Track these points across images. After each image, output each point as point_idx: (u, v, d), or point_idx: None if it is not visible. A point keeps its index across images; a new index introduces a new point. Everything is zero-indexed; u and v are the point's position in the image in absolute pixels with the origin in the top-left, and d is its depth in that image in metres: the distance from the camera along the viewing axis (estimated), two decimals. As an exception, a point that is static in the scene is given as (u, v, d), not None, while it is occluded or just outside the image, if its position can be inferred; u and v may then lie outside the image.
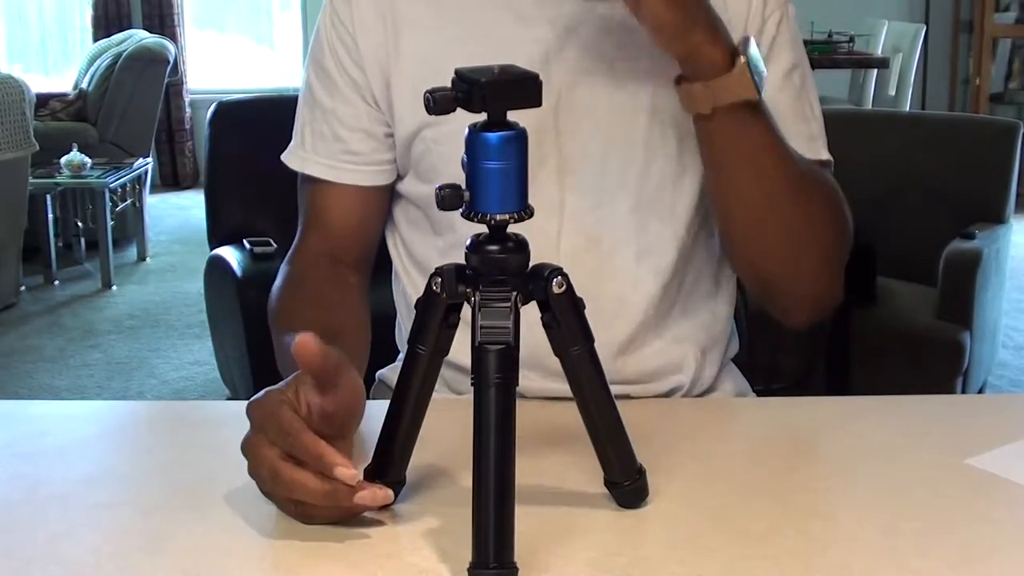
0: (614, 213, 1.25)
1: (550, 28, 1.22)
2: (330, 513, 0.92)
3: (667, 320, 1.30)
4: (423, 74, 1.23)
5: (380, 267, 1.38)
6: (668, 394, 1.31)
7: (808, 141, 1.27)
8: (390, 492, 0.91)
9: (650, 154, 1.24)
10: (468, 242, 0.90)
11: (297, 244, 1.34)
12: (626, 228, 1.25)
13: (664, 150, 1.25)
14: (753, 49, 1.10)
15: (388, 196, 1.34)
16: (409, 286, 1.35)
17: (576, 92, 1.22)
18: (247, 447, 0.94)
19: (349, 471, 0.88)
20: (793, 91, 1.27)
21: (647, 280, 1.27)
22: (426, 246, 1.31)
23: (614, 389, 0.95)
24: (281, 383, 0.95)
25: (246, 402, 0.96)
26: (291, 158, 1.33)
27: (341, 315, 1.24)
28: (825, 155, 1.30)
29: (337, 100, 1.29)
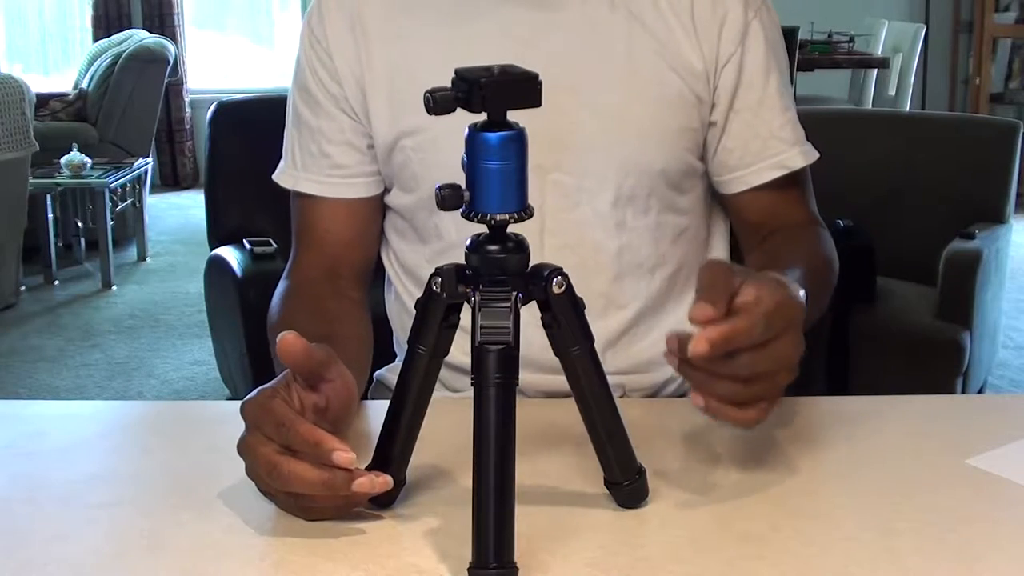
0: (595, 210, 1.26)
1: (520, 30, 1.24)
2: (329, 503, 0.92)
3: (657, 314, 1.31)
4: (395, 85, 1.26)
5: (378, 268, 1.39)
6: (662, 385, 1.31)
7: (802, 144, 1.31)
8: (388, 478, 0.90)
9: (626, 149, 1.26)
10: (468, 242, 0.90)
11: (294, 261, 1.35)
12: (606, 224, 1.27)
13: (644, 144, 1.26)
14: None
15: (380, 208, 1.35)
16: (404, 293, 1.36)
17: (551, 93, 1.21)
18: (243, 447, 0.94)
19: (347, 455, 0.88)
20: (789, 93, 1.31)
21: (631, 275, 1.29)
22: (415, 254, 1.33)
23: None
24: (272, 381, 0.96)
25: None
26: (283, 177, 1.35)
27: (339, 325, 1.24)
28: (814, 155, 1.32)
29: (321, 117, 1.31)
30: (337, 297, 1.29)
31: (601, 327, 1.26)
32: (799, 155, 1.31)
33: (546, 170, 1.25)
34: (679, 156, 1.28)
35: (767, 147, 1.29)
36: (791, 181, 1.32)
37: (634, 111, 1.25)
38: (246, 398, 0.95)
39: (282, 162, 1.36)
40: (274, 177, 1.36)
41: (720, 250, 1.39)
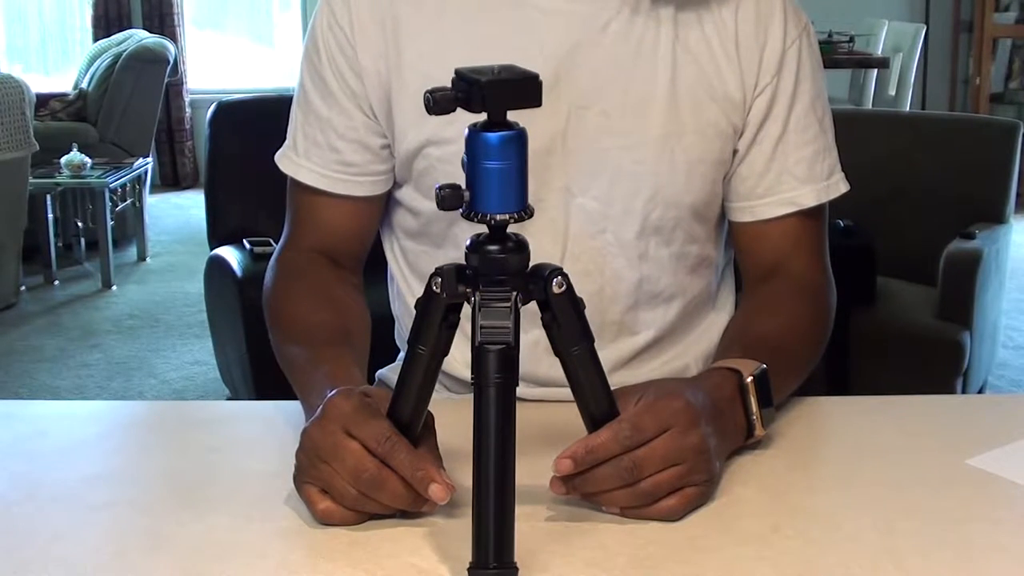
0: (619, 239, 1.23)
1: (561, 46, 1.19)
2: (355, 518, 0.94)
3: (670, 340, 1.29)
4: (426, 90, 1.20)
5: (377, 267, 1.37)
6: None
7: (827, 179, 1.27)
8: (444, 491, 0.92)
9: (659, 180, 1.22)
10: (468, 242, 0.90)
11: (288, 242, 1.31)
12: (628, 254, 1.24)
13: (676, 177, 1.22)
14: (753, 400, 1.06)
15: (383, 202, 1.31)
16: (406, 292, 1.33)
17: (587, 114, 1.20)
18: (319, 432, 0.94)
19: (444, 492, 0.90)
20: (816, 123, 1.26)
21: (647, 304, 1.27)
22: (427, 258, 1.28)
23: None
24: (362, 389, 0.97)
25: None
26: (284, 161, 1.30)
27: (349, 315, 1.23)
28: (843, 187, 1.28)
29: (333, 109, 1.25)
30: (341, 283, 1.27)
31: (611, 352, 1.24)
32: (811, 193, 1.25)
33: (573, 194, 1.21)
34: (709, 189, 1.25)
35: (780, 181, 1.25)
36: (802, 220, 1.27)
37: (670, 142, 1.21)
38: (335, 392, 0.96)
39: (285, 143, 1.30)
40: (275, 159, 1.30)
41: (730, 278, 1.37)
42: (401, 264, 1.34)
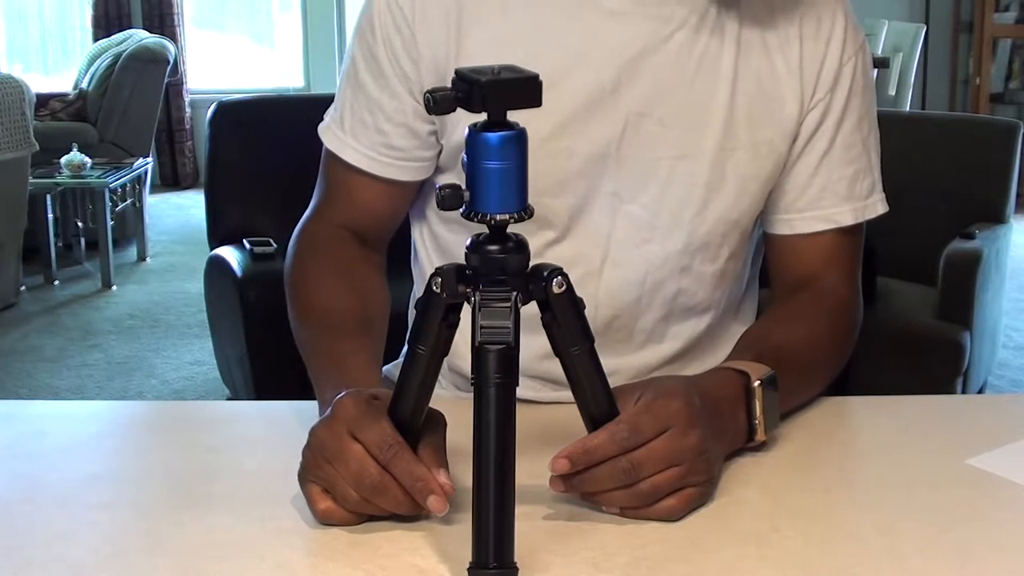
0: (663, 251, 1.22)
1: (625, 51, 1.17)
2: (355, 519, 0.94)
3: (694, 350, 1.29)
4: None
5: (391, 261, 1.36)
6: None
7: (865, 198, 1.27)
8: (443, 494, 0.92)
9: (710, 194, 1.22)
10: (468, 242, 0.90)
11: (316, 214, 1.30)
12: (671, 267, 1.23)
13: (727, 193, 1.22)
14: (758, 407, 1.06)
15: (419, 187, 1.29)
16: None
17: (644, 122, 1.18)
18: (327, 433, 0.94)
19: (443, 505, 0.90)
20: (860, 142, 1.26)
21: (680, 316, 1.26)
22: (460, 246, 1.27)
23: None
24: (368, 392, 0.96)
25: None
26: (328, 135, 1.28)
27: (370, 298, 1.23)
28: (882, 208, 1.29)
29: (384, 92, 1.23)
30: (365, 262, 1.26)
31: (637, 359, 1.23)
32: (849, 212, 1.26)
33: (622, 199, 1.20)
34: (756, 205, 1.25)
35: (822, 197, 1.25)
36: (839, 238, 1.27)
37: (722, 157, 1.20)
38: (342, 395, 0.95)
39: (329, 116, 1.28)
40: (319, 130, 1.28)
41: (753, 290, 1.37)
42: (429, 248, 1.32)
